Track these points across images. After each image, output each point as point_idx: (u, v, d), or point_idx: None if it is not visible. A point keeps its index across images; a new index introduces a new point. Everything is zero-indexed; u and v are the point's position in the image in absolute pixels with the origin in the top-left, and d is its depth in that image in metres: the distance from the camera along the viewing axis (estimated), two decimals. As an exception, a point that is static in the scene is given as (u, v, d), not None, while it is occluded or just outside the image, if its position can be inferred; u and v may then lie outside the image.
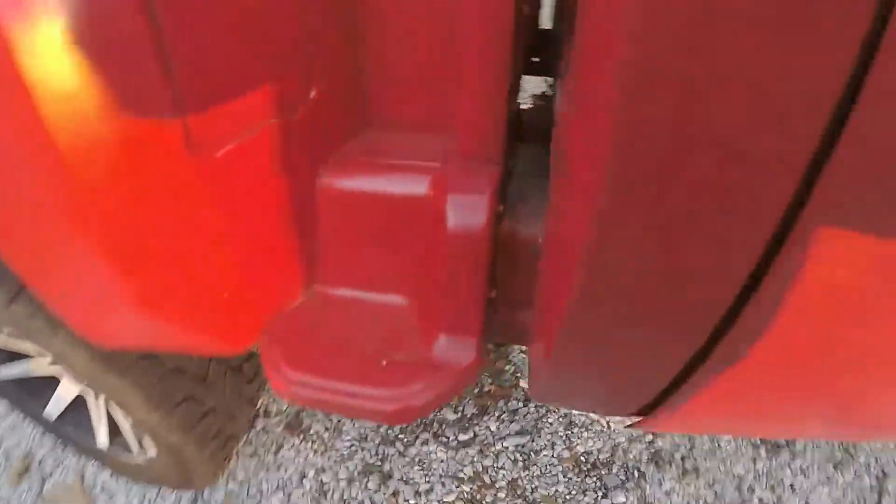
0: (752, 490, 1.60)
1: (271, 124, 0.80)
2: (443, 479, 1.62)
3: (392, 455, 1.69)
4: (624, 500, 1.58)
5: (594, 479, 1.63)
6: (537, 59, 1.52)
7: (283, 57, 0.79)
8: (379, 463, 1.67)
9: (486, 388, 1.87)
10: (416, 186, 0.90)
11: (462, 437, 1.73)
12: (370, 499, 1.59)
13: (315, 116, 0.87)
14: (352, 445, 1.71)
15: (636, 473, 1.64)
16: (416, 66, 0.90)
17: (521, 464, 1.66)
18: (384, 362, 0.90)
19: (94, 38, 0.58)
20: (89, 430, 1.38)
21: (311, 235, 0.97)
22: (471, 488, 1.60)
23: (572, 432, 1.75)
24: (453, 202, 0.86)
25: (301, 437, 1.74)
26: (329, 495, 1.61)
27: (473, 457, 1.68)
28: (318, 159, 0.92)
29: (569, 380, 0.70)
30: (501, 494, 1.59)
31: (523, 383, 1.93)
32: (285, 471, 1.66)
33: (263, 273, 0.91)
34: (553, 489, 1.60)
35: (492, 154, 0.87)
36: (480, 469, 1.64)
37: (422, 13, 0.84)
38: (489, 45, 0.77)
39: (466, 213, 0.86)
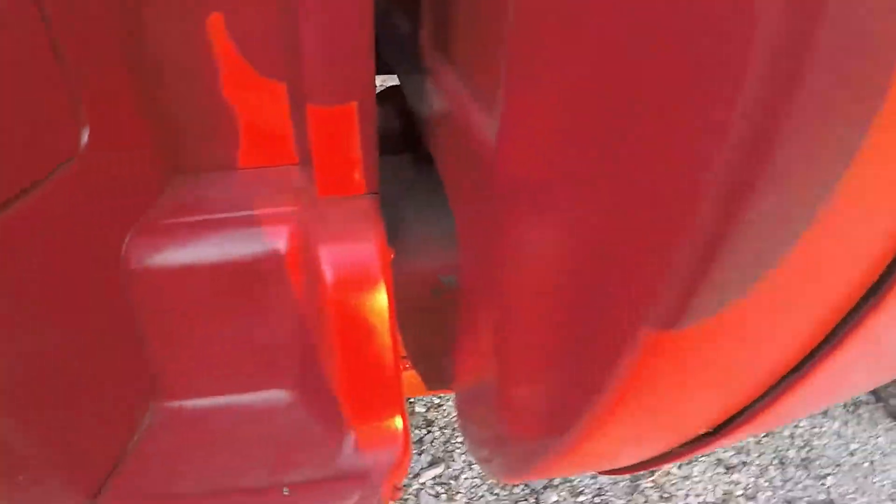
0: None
1: (25, 193, 0.50)
2: (365, 548, 1.39)
3: (298, 542, 1.41)
4: (556, 498, 1.50)
5: (521, 486, 1.53)
6: None
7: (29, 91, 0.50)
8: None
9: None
10: (269, 241, 0.65)
11: (373, 492, 1.50)
12: None
13: (96, 168, 0.57)
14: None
15: (560, 466, 1.58)
16: (247, 91, 0.64)
17: (444, 496, 1.50)
18: (286, 490, 0.65)
19: None
20: None
21: (130, 337, 0.67)
22: (399, 545, 1.40)
23: (486, 444, 1.62)
24: (329, 253, 0.63)
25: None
26: None
27: (392, 509, 1.47)
28: (116, 228, 0.62)
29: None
30: (434, 539, 1.42)
31: (418, 408, 1.75)
32: None
33: (68, 415, 0.59)
34: (486, 512, 1.47)
35: (367, 182, 0.65)
36: (404, 519, 1.45)
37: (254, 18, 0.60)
38: (354, 51, 0.55)
39: (351, 262, 0.63)
